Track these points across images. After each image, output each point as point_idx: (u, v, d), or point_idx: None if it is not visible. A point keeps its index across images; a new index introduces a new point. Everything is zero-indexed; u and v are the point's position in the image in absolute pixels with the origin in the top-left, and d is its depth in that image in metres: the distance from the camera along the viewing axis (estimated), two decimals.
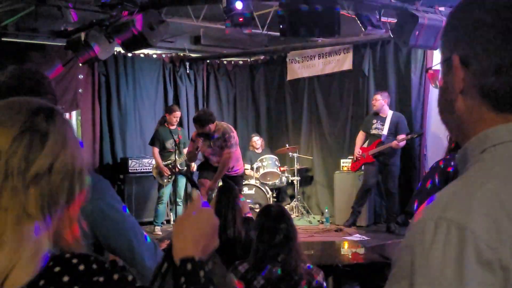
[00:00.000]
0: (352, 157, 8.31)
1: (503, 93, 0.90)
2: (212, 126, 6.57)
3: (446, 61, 0.98)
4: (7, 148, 0.90)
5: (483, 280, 0.77)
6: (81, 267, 0.90)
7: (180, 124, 8.91)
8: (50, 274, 0.89)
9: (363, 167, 8.04)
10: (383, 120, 7.76)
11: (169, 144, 7.89)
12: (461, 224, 0.80)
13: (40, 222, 0.91)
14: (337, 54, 9.31)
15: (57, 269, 0.90)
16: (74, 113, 8.65)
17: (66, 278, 0.89)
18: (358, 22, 6.72)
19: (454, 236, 0.79)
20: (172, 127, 7.91)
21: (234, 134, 6.70)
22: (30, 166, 0.90)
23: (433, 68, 1.11)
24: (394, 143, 7.54)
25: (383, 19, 7.22)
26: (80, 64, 7.81)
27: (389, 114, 7.78)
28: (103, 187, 1.85)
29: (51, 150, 0.93)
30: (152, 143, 8.01)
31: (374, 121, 7.86)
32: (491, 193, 0.82)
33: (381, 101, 7.74)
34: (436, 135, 7.86)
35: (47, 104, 0.99)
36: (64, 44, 7.40)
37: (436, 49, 7.17)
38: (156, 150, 7.93)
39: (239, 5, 5.52)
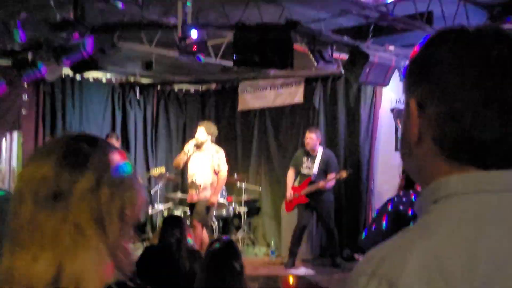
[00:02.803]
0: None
1: (455, 142, 0.86)
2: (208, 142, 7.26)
3: (405, 105, 0.94)
4: (53, 173, 0.98)
5: None
6: None
7: (128, 150, 8.74)
8: None
9: (296, 208, 7.96)
10: (313, 158, 7.77)
11: None
12: (392, 280, 0.77)
13: (94, 236, 0.96)
14: (288, 87, 9.38)
15: None
16: (15, 134, 8.34)
17: None
18: (311, 56, 6.79)
19: None
20: None
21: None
22: (77, 184, 0.97)
23: (396, 107, 1.07)
24: (321, 184, 7.55)
25: (335, 55, 7.33)
26: (25, 85, 7.58)
27: (319, 152, 7.78)
28: None
29: (95, 168, 0.99)
30: None
31: (305, 159, 7.86)
32: (429, 250, 0.79)
33: (314, 140, 7.74)
34: (383, 170, 7.98)
35: (88, 133, 1.11)
36: (10, 63, 7.16)
37: (385, 86, 7.32)
38: None
39: (194, 34, 5.48)
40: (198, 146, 7.26)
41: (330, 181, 7.59)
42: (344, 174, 7.63)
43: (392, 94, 7.92)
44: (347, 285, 0.82)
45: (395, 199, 2.98)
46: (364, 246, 2.95)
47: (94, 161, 1.01)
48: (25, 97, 8.06)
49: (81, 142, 1.04)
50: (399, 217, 2.86)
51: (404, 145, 0.96)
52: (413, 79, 0.92)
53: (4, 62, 7.48)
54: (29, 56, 6.78)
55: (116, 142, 7.87)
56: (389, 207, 2.95)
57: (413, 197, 2.91)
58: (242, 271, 2.88)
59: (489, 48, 0.85)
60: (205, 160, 7.21)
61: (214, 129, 7.32)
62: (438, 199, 0.85)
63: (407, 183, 3.03)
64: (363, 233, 2.99)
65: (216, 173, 7.26)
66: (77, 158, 1.00)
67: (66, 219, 0.96)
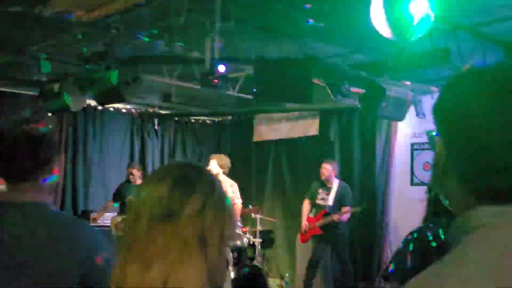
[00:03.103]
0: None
1: (478, 180, 0.91)
2: (219, 175, 7.19)
3: (434, 140, 1.03)
4: (167, 194, 1.12)
5: None
6: None
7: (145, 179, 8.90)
8: None
9: (310, 240, 8.04)
10: (329, 190, 7.84)
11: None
12: None
13: (196, 253, 1.10)
14: (304, 119, 9.54)
15: None
16: None
17: None
18: (328, 90, 6.96)
19: None
20: (136, 183, 7.93)
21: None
22: (186, 206, 1.12)
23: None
24: (335, 217, 7.59)
25: (352, 88, 7.49)
26: (50, 114, 7.77)
27: (335, 184, 7.84)
28: None
29: (201, 192, 1.14)
30: (112, 197, 8.27)
31: (320, 190, 7.93)
32: (463, 279, 0.83)
33: (330, 171, 7.83)
34: (399, 204, 8.05)
35: (195, 163, 1.28)
36: (37, 93, 7.39)
37: (401, 120, 7.45)
38: (110, 203, 8.22)
39: (221, 68, 5.68)
40: None
41: (345, 214, 7.65)
42: (357, 209, 7.70)
43: (408, 128, 8.04)
44: None
45: (419, 229, 3.07)
46: (392, 277, 3.03)
47: (201, 186, 1.15)
48: (49, 126, 8.25)
49: (191, 169, 1.19)
50: (422, 248, 2.95)
51: (434, 175, 1.04)
52: (440, 119, 0.99)
53: (32, 92, 7.71)
54: (56, 87, 6.97)
55: (137, 172, 8.03)
56: (413, 238, 3.04)
57: (437, 228, 3.00)
58: None
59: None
60: None
61: (226, 161, 7.35)
62: (470, 230, 0.91)
63: (432, 213, 3.12)
64: (392, 264, 3.06)
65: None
66: (187, 183, 1.15)
67: (175, 235, 1.09)
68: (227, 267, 7.72)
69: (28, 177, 1.78)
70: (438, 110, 1.00)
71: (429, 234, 2.96)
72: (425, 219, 3.11)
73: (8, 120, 1.85)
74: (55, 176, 1.91)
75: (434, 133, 1.06)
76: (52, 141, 1.90)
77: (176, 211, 1.11)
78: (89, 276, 1.72)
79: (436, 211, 3.05)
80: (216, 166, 7.23)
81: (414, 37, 4.18)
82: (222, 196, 1.19)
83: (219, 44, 5.13)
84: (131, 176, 8.05)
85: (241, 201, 7.38)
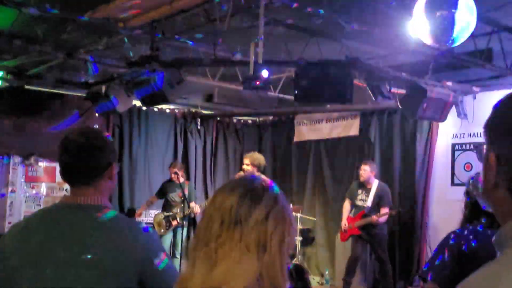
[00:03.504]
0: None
1: None
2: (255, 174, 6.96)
3: (486, 155, 1.12)
4: (237, 203, 1.28)
5: None
6: None
7: (188, 178, 9.11)
8: None
9: (350, 238, 8.13)
10: (368, 191, 7.90)
11: (173, 197, 8.17)
12: None
13: (254, 256, 1.25)
14: (344, 120, 9.59)
15: None
16: None
17: None
18: (369, 91, 7.01)
19: None
20: (179, 181, 8.09)
21: None
22: (252, 215, 1.28)
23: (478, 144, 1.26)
24: (374, 218, 7.66)
25: (393, 89, 7.51)
26: (97, 115, 8.05)
27: (374, 185, 7.90)
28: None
29: (265, 204, 1.30)
30: (156, 193, 8.50)
31: (359, 191, 8.01)
32: None
33: (368, 172, 7.88)
34: (439, 205, 8.03)
35: (260, 177, 1.42)
36: (84, 95, 7.66)
37: (442, 121, 7.44)
38: (153, 199, 8.46)
39: (265, 74, 5.79)
40: None
41: (383, 216, 7.70)
42: (394, 212, 7.72)
43: (448, 129, 8.02)
44: None
45: (457, 232, 3.12)
46: (428, 276, 3.09)
47: (266, 199, 1.31)
48: (96, 127, 8.55)
49: (258, 183, 1.35)
50: (459, 251, 2.99)
51: (484, 187, 1.15)
52: (493, 135, 1.10)
53: (79, 93, 7.99)
54: (103, 88, 7.22)
55: (179, 171, 8.23)
56: (451, 241, 3.08)
57: (476, 230, 3.04)
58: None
59: None
60: None
61: (260, 160, 7.21)
62: None
63: (471, 215, 3.17)
64: (430, 265, 3.12)
65: None
66: (254, 195, 1.31)
67: (240, 240, 1.26)
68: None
69: (90, 182, 1.94)
70: (491, 125, 1.09)
71: (467, 236, 3.00)
72: (464, 222, 3.15)
73: (73, 130, 2.01)
74: (112, 179, 2.06)
75: (483, 146, 1.16)
76: (112, 148, 2.05)
77: (244, 219, 1.27)
78: (147, 277, 1.86)
79: (474, 214, 3.10)
80: (249, 165, 7.16)
81: (455, 44, 4.22)
82: (285, 208, 1.34)
83: (261, 49, 5.23)
84: (173, 175, 8.25)
85: None
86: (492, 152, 1.09)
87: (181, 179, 8.11)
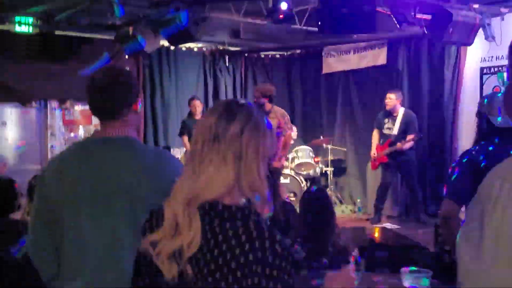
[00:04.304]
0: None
1: None
2: (268, 105, 7.00)
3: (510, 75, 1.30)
4: (215, 122, 1.46)
5: None
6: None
7: None
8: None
9: (380, 167, 8.28)
10: (394, 119, 7.98)
11: None
12: None
13: (231, 166, 1.43)
14: (371, 49, 9.54)
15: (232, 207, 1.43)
16: None
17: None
18: (394, 18, 6.97)
19: None
20: (198, 117, 8.29)
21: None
22: (228, 131, 1.44)
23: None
24: (399, 145, 7.79)
25: (418, 15, 7.43)
26: (127, 57, 8.23)
27: (400, 113, 7.97)
28: None
29: (240, 120, 1.46)
30: (180, 133, 8.62)
31: (386, 120, 8.10)
32: None
33: (394, 100, 7.95)
34: (468, 130, 8.05)
35: (240, 99, 1.55)
36: (112, 37, 7.82)
37: (469, 45, 7.37)
38: (186, 138, 8.48)
39: (284, 6, 5.84)
40: None
41: (408, 142, 7.79)
42: (416, 138, 7.77)
43: (477, 53, 7.94)
44: (483, 189, 1.20)
45: (470, 150, 3.25)
46: (444, 193, 3.25)
47: (240, 115, 1.47)
48: (127, 68, 8.74)
49: (234, 103, 1.51)
50: (472, 168, 3.12)
51: (507, 104, 1.32)
52: None
53: (108, 36, 8.16)
54: (130, 30, 7.37)
55: (199, 105, 8.44)
56: (464, 158, 3.22)
57: (489, 147, 3.16)
58: (334, 211, 3.33)
59: None
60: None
61: (269, 90, 7.13)
62: None
63: (482, 135, 3.29)
64: (446, 185, 3.28)
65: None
66: (229, 113, 1.47)
67: (218, 154, 1.44)
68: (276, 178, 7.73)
69: (117, 116, 2.11)
70: None
71: (480, 153, 3.12)
72: (476, 141, 3.27)
73: (98, 70, 2.17)
74: (137, 112, 2.23)
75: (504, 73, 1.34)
76: (135, 83, 2.21)
77: (221, 136, 1.44)
78: None
79: (486, 134, 3.22)
80: (261, 98, 7.12)
81: None
82: (258, 121, 1.49)
83: None
84: (193, 109, 8.46)
85: (293, 130, 7.39)
86: None
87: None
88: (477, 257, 1.15)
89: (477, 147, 3.19)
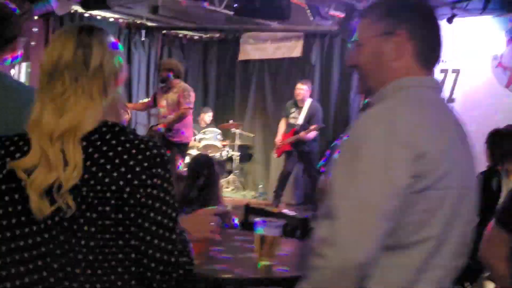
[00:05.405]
0: None
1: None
2: (173, 81, 6.89)
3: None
4: (71, 56, 1.42)
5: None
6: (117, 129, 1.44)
7: (130, 88, 9.17)
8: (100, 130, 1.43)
9: (283, 155, 8.48)
10: (300, 109, 8.22)
11: None
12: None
13: (98, 102, 1.43)
14: (288, 41, 9.69)
15: (104, 129, 1.43)
16: (24, 64, 8.73)
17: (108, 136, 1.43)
18: (307, 10, 7.13)
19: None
20: None
21: (193, 96, 7.05)
22: (89, 66, 1.43)
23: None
24: (301, 134, 8.01)
25: (334, 13, 7.65)
26: (36, 17, 7.92)
27: (306, 104, 8.20)
28: None
29: (97, 52, 1.44)
30: None
31: (293, 109, 8.31)
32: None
33: (304, 91, 8.19)
34: None
35: (88, 23, 1.55)
36: None
37: None
38: None
39: None
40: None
41: (310, 132, 8.02)
42: (317, 128, 8.01)
43: None
44: (355, 130, 1.38)
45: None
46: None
47: (95, 47, 1.45)
48: (35, 29, 8.42)
49: (83, 34, 1.47)
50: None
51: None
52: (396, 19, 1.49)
53: None
54: None
55: None
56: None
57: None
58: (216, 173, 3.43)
59: None
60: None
61: (173, 65, 7.21)
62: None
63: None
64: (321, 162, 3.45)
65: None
66: (85, 47, 1.44)
67: (83, 91, 1.43)
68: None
69: None
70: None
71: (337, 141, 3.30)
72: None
73: None
74: (19, 58, 2.16)
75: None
76: (18, 22, 2.12)
77: (83, 73, 1.43)
78: None
79: None
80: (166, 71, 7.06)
81: None
82: (113, 53, 1.48)
83: None
84: None
85: (192, 107, 7.08)
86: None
87: None
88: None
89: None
